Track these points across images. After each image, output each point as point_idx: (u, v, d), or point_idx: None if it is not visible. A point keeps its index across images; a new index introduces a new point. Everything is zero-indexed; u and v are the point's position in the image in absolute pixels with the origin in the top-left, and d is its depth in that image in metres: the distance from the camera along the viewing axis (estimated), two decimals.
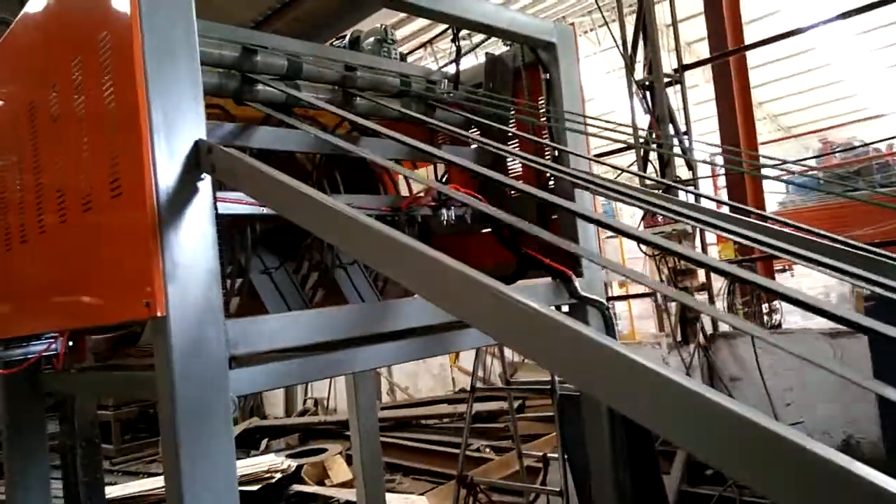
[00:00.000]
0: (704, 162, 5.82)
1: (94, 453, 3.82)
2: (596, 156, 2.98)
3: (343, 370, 2.00)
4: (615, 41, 5.87)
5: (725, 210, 2.51)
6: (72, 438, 3.78)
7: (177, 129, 1.49)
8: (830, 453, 0.66)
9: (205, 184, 1.52)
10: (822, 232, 1.80)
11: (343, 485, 6.00)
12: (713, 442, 0.76)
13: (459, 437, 6.46)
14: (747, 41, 6.35)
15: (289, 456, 6.24)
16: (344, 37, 2.93)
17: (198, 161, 1.50)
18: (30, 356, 2.15)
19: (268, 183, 1.37)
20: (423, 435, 6.88)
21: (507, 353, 6.25)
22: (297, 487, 5.80)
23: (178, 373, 1.39)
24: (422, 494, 5.54)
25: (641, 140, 5.46)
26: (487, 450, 5.93)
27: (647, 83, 5.62)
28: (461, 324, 2.15)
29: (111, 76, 1.58)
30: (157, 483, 5.71)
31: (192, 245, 1.47)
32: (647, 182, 4.70)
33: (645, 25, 5.60)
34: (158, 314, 1.40)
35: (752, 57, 6.78)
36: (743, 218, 2.05)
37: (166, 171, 1.46)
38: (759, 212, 2.23)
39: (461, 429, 6.68)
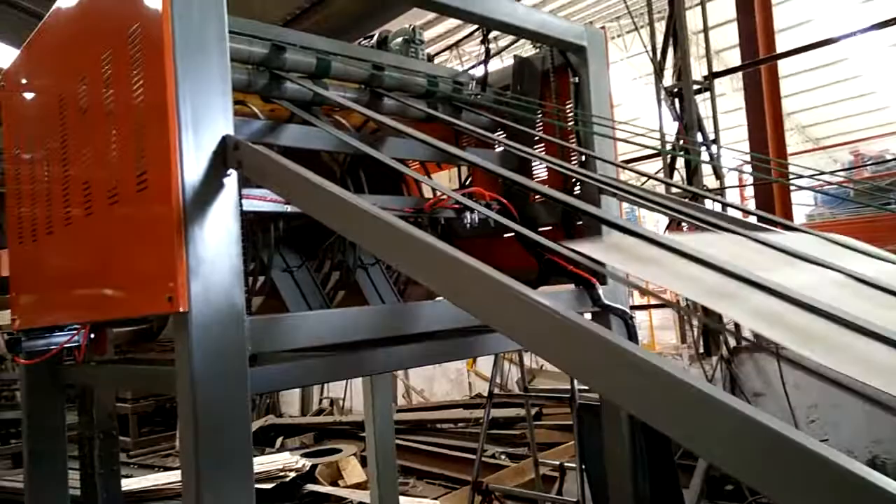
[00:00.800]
0: (733, 169, 5.71)
1: (111, 445, 3.86)
2: (623, 162, 2.94)
3: (362, 372, 1.98)
4: (644, 46, 5.81)
5: (753, 220, 2.46)
6: (90, 430, 3.82)
7: (204, 124, 1.48)
8: (858, 467, 0.63)
9: (230, 180, 1.51)
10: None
11: (357, 486, 5.99)
12: (738, 453, 0.73)
13: (474, 442, 6.43)
14: (779, 50, 6.26)
15: (303, 455, 6.25)
16: (371, 37, 2.92)
17: (224, 157, 1.50)
18: (52, 347, 2.16)
19: (294, 180, 1.35)
20: (437, 439, 6.86)
21: (526, 359, 6.21)
22: (310, 487, 5.80)
23: (198, 369, 1.38)
24: (435, 499, 5.51)
25: (669, 147, 5.40)
26: (503, 456, 5.89)
27: (675, 90, 5.55)
28: (482, 329, 2.13)
29: (141, 70, 1.58)
30: (172, 477, 5.75)
31: (217, 241, 1.46)
32: (674, 190, 4.63)
33: (675, 31, 5.54)
34: (181, 309, 1.39)
35: (782, 66, 6.68)
36: (771, 228, 2.00)
37: (193, 165, 1.46)
38: (786, 222, 2.18)
39: (476, 434, 6.65)
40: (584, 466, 2.99)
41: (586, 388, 3.21)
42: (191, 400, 1.39)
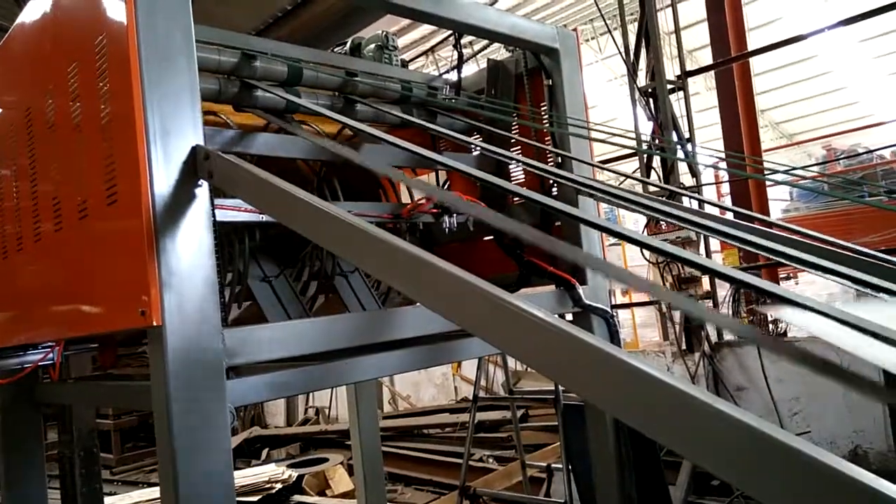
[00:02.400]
0: (709, 166, 5.76)
1: (92, 463, 3.79)
2: (599, 163, 2.95)
3: (344, 380, 1.97)
4: (618, 48, 5.85)
5: (730, 216, 2.48)
6: (70, 448, 3.74)
7: (174, 135, 1.47)
8: (838, 462, 0.63)
9: (202, 190, 1.50)
10: (828, 238, 1.77)
11: (344, 495, 5.94)
12: (720, 452, 0.73)
13: (462, 446, 6.41)
14: (750, 48, 6.33)
15: (290, 466, 6.19)
16: (344, 44, 2.91)
17: (195, 167, 1.48)
18: (25, 366, 2.11)
19: (266, 189, 1.34)
20: (425, 444, 6.83)
21: (511, 362, 6.21)
22: (297, 498, 5.75)
23: (173, 382, 1.36)
24: None
25: (645, 146, 5.44)
26: (490, 460, 5.88)
27: (649, 90, 5.59)
28: (463, 333, 2.12)
29: (107, 81, 1.56)
30: (156, 493, 5.67)
31: (189, 253, 1.44)
32: (651, 189, 4.66)
33: (647, 32, 5.59)
34: (154, 323, 1.37)
35: (754, 64, 6.77)
36: (748, 224, 2.02)
37: (162, 177, 1.44)
38: (763, 217, 2.20)
39: (464, 438, 6.63)
40: (570, 466, 2.99)
41: None
42: (167, 414, 1.36)
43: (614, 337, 2.64)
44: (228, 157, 1.43)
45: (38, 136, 1.94)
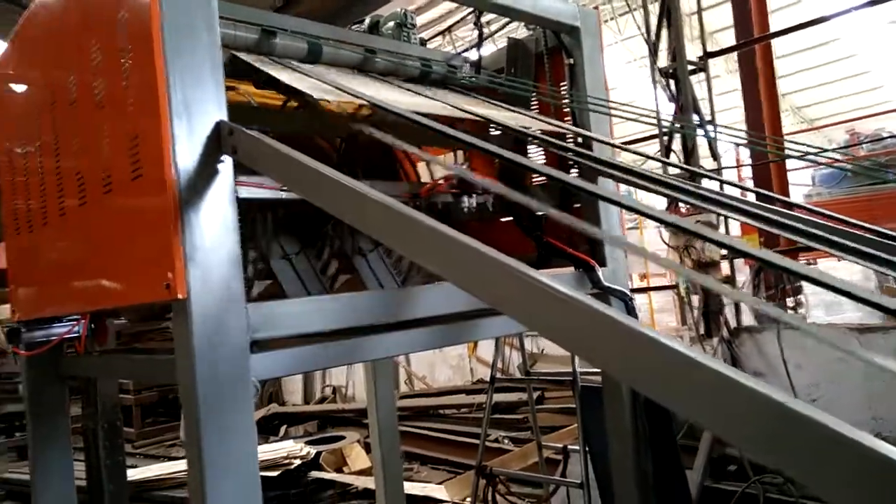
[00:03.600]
0: (734, 142, 5.62)
1: (116, 436, 3.86)
2: (620, 144, 2.92)
3: (364, 357, 1.98)
4: (638, 28, 5.77)
5: (751, 197, 2.45)
6: (94, 421, 3.81)
7: (197, 110, 1.47)
8: (863, 437, 0.63)
9: (225, 166, 1.51)
10: (852, 220, 1.74)
11: (361, 472, 6.01)
12: (745, 427, 0.73)
13: (477, 427, 6.45)
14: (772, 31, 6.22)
15: (308, 442, 6.27)
16: (362, 21, 2.90)
17: (219, 143, 1.49)
18: (51, 338, 2.15)
19: (290, 165, 1.35)
20: (440, 424, 6.88)
21: (527, 344, 6.22)
22: (315, 474, 5.83)
23: (198, 355, 1.38)
24: (440, 484, 5.55)
25: (665, 127, 5.39)
26: (506, 440, 5.91)
27: (670, 70, 5.52)
28: (482, 312, 2.13)
29: (131, 57, 1.56)
30: (178, 466, 5.77)
31: (213, 228, 1.45)
32: (672, 171, 4.62)
33: (669, 12, 5.51)
34: (179, 296, 1.38)
35: (775, 47, 6.64)
36: (770, 206, 2.00)
37: (186, 152, 1.45)
38: (784, 199, 2.17)
39: (479, 419, 6.66)
40: (587, 448, 3.00)
41: (588, 370, 3.22)
42: (192, 387, 1.38)
43: (629, 309, 2.63)
44: (252, 132, 1.44)
45: (62, 112, 1.96)
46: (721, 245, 1.17)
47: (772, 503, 3.86)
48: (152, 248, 1.47)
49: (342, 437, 6.62)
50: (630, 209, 2.09)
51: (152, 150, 1.47)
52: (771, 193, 2.26)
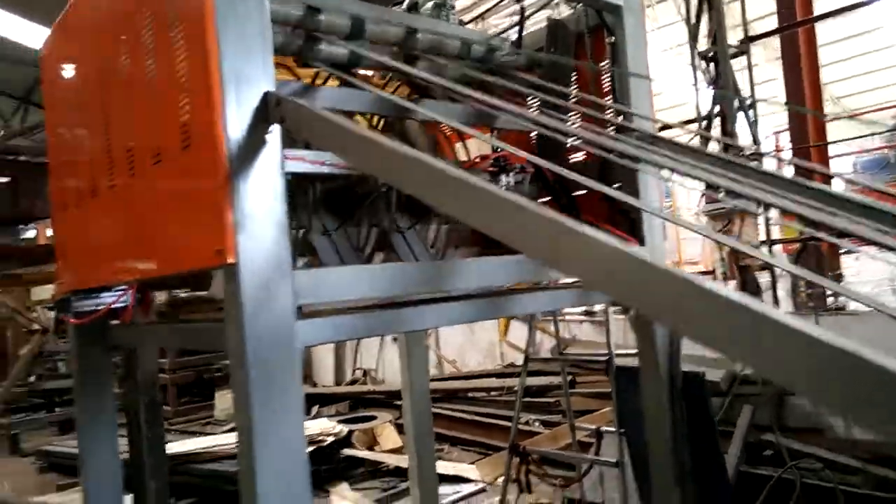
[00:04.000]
0: (789, 106, 5.39)
1: (155, 410, 3.96)
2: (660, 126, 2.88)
3: (404, 328, 2.01)
4: (679, 11, 5.67)
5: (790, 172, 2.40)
6: (135, 396, 3.92)
7: (246, 81, 1.50)
8: None
9: (273, 137, 1.53)
10: None
11: (392, 451, 6.09)
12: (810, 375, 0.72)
13: (507, 410, 6.47)
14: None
15: (340, 421, 6.36)
16: (401, 2, 2.90)
17: (266, 113, 1.51)
18: (100, 307, 2.22)
19: (339, 132, 1.36)
20: (470, 407, 6.92)
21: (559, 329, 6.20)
22: (347, 451, 5.92)
23: (247, 319, 1.41)
24: (471, 464, 5.59)
25: (704, 114, 5.31)
26: (536, 423, 5.93)
27: (710, 54, 5.42)
28: (520, 289, 2.14)
29: (182, 31, 1.59)
30: (214, 441, 5.91)
31: (261, 196, 1.48)
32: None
33: None
34: (229, 261, 1.42)
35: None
36: (815, 185, 1.96)
37: (236, 122, 1.48)
38: (826, 171, 2.11)
39: (509, 402, 6.68)
40: (622, 430, 3.00)
41: (623, 352, 3.21)
42: (241, 350, 1.42)
43: None
44: (300, 102, 1.46)
45: (111, 88, 2.01)
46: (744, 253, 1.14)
47: (809, 489, 3.82)
48: (203, 216, 1.51)
49: (373, 418, 6.70)
50: (665, 178, 2.07)
51: (203, 120, 1.50)
52: (808, 164, 2.21)
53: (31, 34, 14.68)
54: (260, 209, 1.47)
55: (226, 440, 5.86)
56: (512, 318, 8.11)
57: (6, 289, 9.71)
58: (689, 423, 2.58)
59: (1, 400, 9.02)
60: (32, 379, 10.14)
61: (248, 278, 1.42)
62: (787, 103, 5.07)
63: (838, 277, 5.16)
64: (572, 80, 2.79)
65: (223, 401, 9.06)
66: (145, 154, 1.80)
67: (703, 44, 5.66)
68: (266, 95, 1.52)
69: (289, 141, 1.65)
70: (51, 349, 10.39)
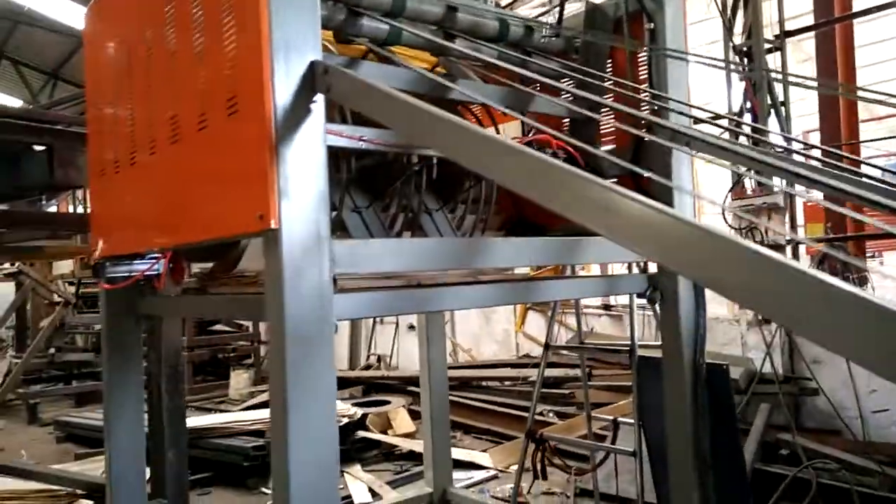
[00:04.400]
0: (823, 87, 5.31)
1: (177, 381, 4.02)
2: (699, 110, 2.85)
3: (436, 307, 2.02)
4: (708, 4, 5.60)
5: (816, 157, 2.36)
6: (158, 366, 3.97)
7: (295, 50, 1.51)
8: None
9: (317, 106, 1.54)
10: None
11: (405, 436, 6.12)
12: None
13: (522, 400, 6.47)
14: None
15: (355, 404, 6.40)
16: None
17: (313, 82, 1.52)
18: (133, 273, 2.24)
19: (387, 101, 1.37)
20: (484, 396, 6.93)
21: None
22: (362, 433, 5.96)
23: (288, 285, 1.43)
24: (483, 451, 5.61)
25: (735, 110, 5.25)
26: (551, 414, 5.93)
27: (745, 49, 5.35)
28: (547, 276, 2.13)
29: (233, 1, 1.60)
30: (231, 417, 5.97)
31: (305, 163, 1.49)
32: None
33: None
34: (272, 226, 1.43)
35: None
36: (854, 170, 1.94)
37: (283, 89, 1.49)
38: (855, 158, 2.07)
39: (523, 392, 6.69)
40: (641, 421, 2.99)
41: (646, 343, 3.20)
42: (281, 316, 1.43)
43: (699, 295, 2.61)
44: (346, 70, 1.46)
45: (157, 57, 2.02)
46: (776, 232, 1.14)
47: (825, 489, 3.79)
48: (246, 182, 1.52)
49: (388, 402, 6.73)
50: (695, 155, 2.06)
51: (252, 86, 1.51)
52: (838, 151, 2.17)
53: (64, 8, 14.79)
54: (302, 177, 1.48)
55: (242, 417, 5.92)
56: (534, 306, 8.09)
57: (28, 261, 9.84)
58: (711, 415, 2.56)
59: (21, 370, 9.15)
60: (52, 351, 10.28)
61: (288, 244, 1.43)
62: (819, 85, 4.99)
63: (864, 279, 5.11)
64: (608, 66, 2.77)
65: (238, 380, 9.14)
66: (189, 122, 1.81)
67: (737, 38, 5.59)
68: (313, 64, 1.52)
69: (327, 116, 1.66)
70: (70, 322, 10.52)
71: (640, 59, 2.69)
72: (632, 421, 2.97)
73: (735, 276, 0.84)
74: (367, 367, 10.05)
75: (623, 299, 5.41)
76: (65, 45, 16.98)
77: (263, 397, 7.68)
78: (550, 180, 1.07)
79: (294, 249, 1.44)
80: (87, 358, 10.57)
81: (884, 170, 2.63)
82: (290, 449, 1.45)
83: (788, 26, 5.80)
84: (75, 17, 14.76)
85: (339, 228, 2.51)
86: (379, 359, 10.27)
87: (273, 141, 1.45)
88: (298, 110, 1.50)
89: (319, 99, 1.53)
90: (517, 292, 2.43)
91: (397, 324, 9.98)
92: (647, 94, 2.50)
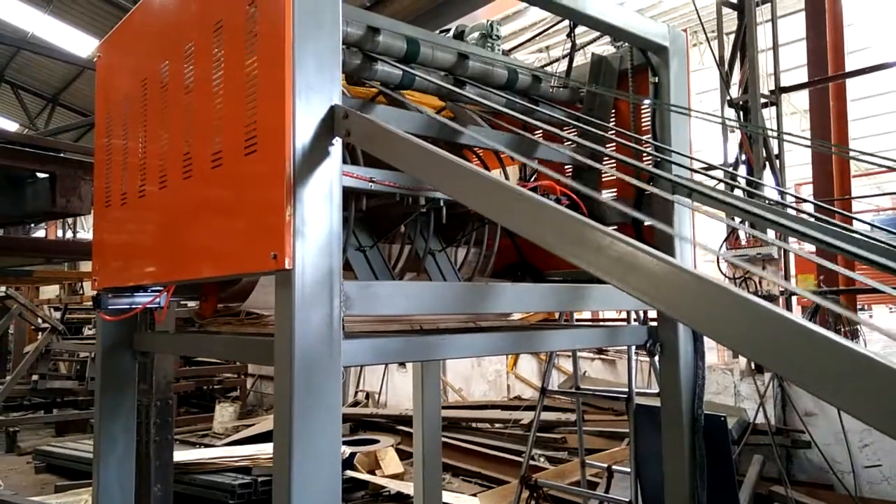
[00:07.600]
0: (818, 146, 5.44)
1: (167, 413, 3.95)
2: (698, 162, 2.91)
3: (441, 355, 2.02)
4: (714, 57, 5.74)
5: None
6: (149, 397, 3.92)
7: (316, 94, 1.53)
8: None
9: (335, 149, 1.56)
10: None
11: (393, 476, 6.03)
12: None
13: (512, 443, 6.41)
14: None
15: (343, 443, 6.31)
16: (448, 30, 2.95)
17: (332, 125, 1.54)
18: (136, 306, 2.23)
19: (405, 147, 1.39)
20: (474, 437, 6.85)
21: (570, 365, 6.16)
22: (350, 473, 5.86)
23: (298, 325, 1.42)
24: (473, 496, 5.52)
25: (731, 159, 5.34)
26: (542, 458, 5.87)
27: (741, 102, 5.47)
28: (550, 324, 2.15)
29: (257, 42, 1.63)
30: (217, 453, 5.87)
31: (321, 205, 1.51)
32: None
33: (744, 43, 5.47)
34: (286, 266, 1.43)
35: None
36: (845, 227, 1.98)
37: (303, 131, 1.51)
38: (847, 213, 2.11)
39: (513, 435, 6.63)
40: (637, 469, 2.98)
41: (644, 391, 3.20)
42: (289, 356, 1.42)
43: (698, 340, 2.62)
44: (367, 116, 1.48)
45: (173, 94, 2.04)
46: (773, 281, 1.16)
47: None
48: (261, 221, 1.53)
49: (376, 441, 6.65)
50: (697, 210, 2.08)
51: (273, 127, 1.53)
52: (832, 208, 2.21)
53: (68, 36, 14.95)
54: (318, 218, 1.49)
55: (229, 452, 5.82)
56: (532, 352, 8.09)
57: (14, 285, 9.74)
58: (709, 465, 2.56)
59: (2, 396, 8.99)
60: (35, 378, 10.11)
61: (300, 285, 1.44)
62: (814, 144, 5.10)
63: (855, 332, 5.14)
64: (612, 115, 2.83)
65: (224, 413, 9.02)
66: (203, 158, 1.82)
67: (733, 92, 5.71)
68: (333, 108, 1.55)
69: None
70: (55, 348, 10.39)
71: (643, 110, 2.74)
72: (626, 469, 2.95)
73: (770, 344, 0.85)
74: (356, 404, 9.93)
75: None
76: (66, 71, 17.12)
77: (249, 432, 7.57)
78: (569, 232, 1.09)
79: (306, 291, 1.44)
80: (70, 386, 10.41)
81: (872, 226, 2.70)
82: (292, 498, 1.43)
83: (784, 78, 5.93)
84: (79, 45, 14.93)
85: (343, 267, 2.52)
86: (367, 396, 10.17)
87: (290, 182, 1.46)
88: (317, 152, 1.52)
89: (337, 142, 1.56)
90: (521, 341, 2.44)
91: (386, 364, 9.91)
92: (649, 145, 2.55)
